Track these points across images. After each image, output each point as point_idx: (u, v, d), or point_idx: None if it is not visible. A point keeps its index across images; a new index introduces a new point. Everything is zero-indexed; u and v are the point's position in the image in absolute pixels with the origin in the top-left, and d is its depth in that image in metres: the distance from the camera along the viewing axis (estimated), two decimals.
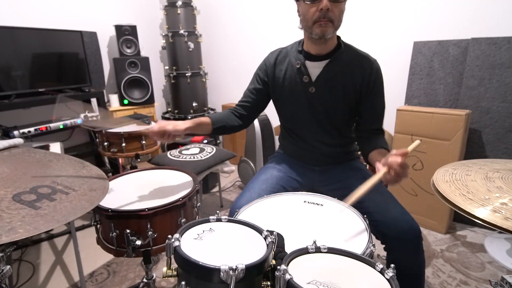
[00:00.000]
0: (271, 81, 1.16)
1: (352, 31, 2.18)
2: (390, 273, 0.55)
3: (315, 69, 1.07)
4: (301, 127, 1.17)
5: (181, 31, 2.63)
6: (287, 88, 1.12)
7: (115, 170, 2.55)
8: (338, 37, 1.09)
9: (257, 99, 1.20)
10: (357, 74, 1.05)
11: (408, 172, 0.81)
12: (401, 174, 0.80)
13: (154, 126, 0.98)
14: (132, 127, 1.89)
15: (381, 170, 0.82)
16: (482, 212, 0.62)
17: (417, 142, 0.90)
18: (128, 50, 2.61)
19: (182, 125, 1.01)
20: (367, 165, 2.22)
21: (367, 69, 1.06)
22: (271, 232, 0.64)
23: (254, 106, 1.21)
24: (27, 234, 0.53)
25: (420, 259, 0.95)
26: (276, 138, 2.39)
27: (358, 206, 0.95)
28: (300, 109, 1.13)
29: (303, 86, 1.09)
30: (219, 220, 0.72)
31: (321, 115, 1.11)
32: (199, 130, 1.10)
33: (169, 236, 0.61)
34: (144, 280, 1.05)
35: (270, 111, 1.41)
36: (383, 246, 0.96)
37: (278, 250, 0.63)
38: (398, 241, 0.91)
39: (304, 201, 0.95)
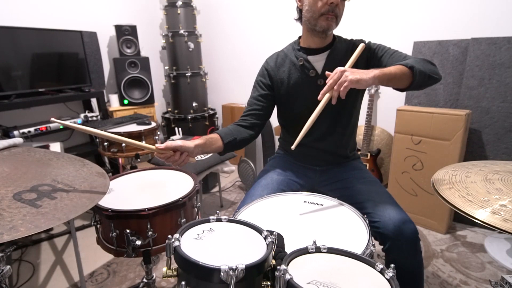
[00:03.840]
0: (276, 84, 1.15)
1: (352, 31, 2.18)
2: (390, 273, 0.55)
3: (318, 62, 1.10)
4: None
5: (181, 31, 2.63)
6: (293, 87, 1.12)
7: (115, 170, 2.55)
8: None
9: (265, 105, 1.17)
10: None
11: (353, 75, 0.82)
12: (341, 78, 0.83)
13: (162, 144, 0.93)
14: (132, 127, 1.90)
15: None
16: (481, 214, 0.62)
17: (361, 45, 0.95)
18: (128, 50, 2.61)
19: (190, 143, 0.96)
20: (367, 165, 2.23)
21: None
22: (271, 232, 0.64)
23: (263, 113, 1.17)
24: (28, 233, 0.53)
25: (418, 259, 0.95)
26: (276, 138, 2.39)
27: (357, 206, 0.95)
28: (309, 105, 1.11)
29: (310, 80, 1.10)
30: (219, 220, 0.72)
31: (332, 106, 1.11)
32: (209, 148, 1.04)
33: (169, 236, 0.61)
34: (144, 280, 1.05)
35: None
36: (382, 247, 0.97)
37: (278, 250, 0.63)
38: (395, 241, 0.91)
39: (304, 201, 0.96)
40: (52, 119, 0.79)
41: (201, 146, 0.99)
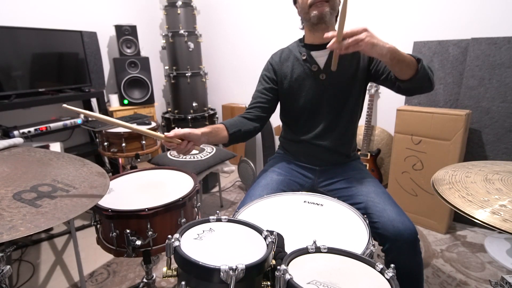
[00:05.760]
0: (280, 78, 1.18)
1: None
2: (390, 273, 0.55)
3: (321, 57, 1.11)
4: (312, 120, 1.17)
5: (181, 31, 2.63)
6: (296, 81, 1.14)
7: (115, 170, 2.55)
8: None
9: (269, 99, 1.19)
10: (359, 53, 1.08)
11: (371, 38, 0.78)
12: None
13: (170, 132, 0.94)
14: (133, 127, 1.89)
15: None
16: (481, 214, 0.62)
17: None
18: (128, 50, 2.61)
19: (197, 130, 0.98)
20: (367, 165, 2.23)
21: None
22: (271, 232, 0.64)
23: (268, 106, 1.19)
24: (28, 232, 0.53)
25: (418, 260, 0.95)
26: (276, 138, 2.39)
27: (356, 207, 0.95)
28: (312, 99, 1.14)
29: (313, 75, 1.12)
30: (219, 220, 0.72)
31: (333, 100, 1.13)
32: (215, 137, 1.05)
33: (169, 236, 0.61)
34: (144, 280, 1.05)
35: None
36: (381, 247, 0.97)
37: (278, 250, 0.63)
38: (394, 242, 0.91)
39: (304, 201, 0.95)
40: (64, 105, 0.80)
41: (207, 135, 1.00)
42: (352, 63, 1.10)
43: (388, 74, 1.03)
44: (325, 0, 0.99)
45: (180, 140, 0.94)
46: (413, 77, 0.91)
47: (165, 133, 0.93)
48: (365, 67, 1.10)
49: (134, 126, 0.88)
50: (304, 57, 1.13)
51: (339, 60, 1.09)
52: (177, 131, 0.93)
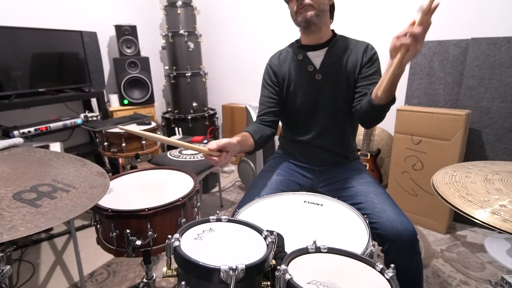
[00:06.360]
0: (280, 79, 1.19)
1: (352, 31, 2.18)
2: (390, 273, 0.55)
3: (317, 57, 1.12)
4: (310, 120, 1.18)
5: (181, 31, 2.63)
6: (293, 82, 1.16)
7: (115, 170, 2.55)
8: (333, 30, 1.15)
9: (277, 102, 1.20)
10: (356, 55, 1.10)
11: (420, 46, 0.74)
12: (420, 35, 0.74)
13: (211, 144, 0.92)
14: (132, 127, 1.89)
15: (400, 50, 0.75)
16: (481, 214, 0.62)
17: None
18: (128, 50, 2.61)
19: (233, 139, 0.98)
20: (367, 165, 2.22)
21: (363, 48, 1.10)
22: (271, 232, 0.64)
23: (278, 109, 1.21)
24: (28, 232, 0.53)
25: (417, 261, 0.94)
26: (276, 138, 2.39)
27: (355, 207, 0.95)
28: (309, 100, 1.15)
29: (309, 75, 1.13)
30: (219, 220, 0.72)
31: (330, 100, 1.13)
32: (245, 145, 1.07)
33: (169, 236, 0.61)
34: (144, 280, 1.05)
35: None
36: (381, 248, 0.97)
37: (278, 250, 0.63)
38: (394, 243, 0.91)
39: (304, 201, 0.95)
40: (120, 126, 0.86)
41: (240, 144, 1.01)
42: (348, 63, 1.10)
43: (361, 92, 1.07)
44: (308, 5, 1.01)
45: (219, 152, 0.93)
46: (383, 104, 0.94)
47: (208, 147, 0.91)
48: (360, 68, 1.10)
49: (184, 142, 0.90)
50: (301, 58, 1.14)
51: (336, 60, 1.09)
52: (217, 142, 0.92)
